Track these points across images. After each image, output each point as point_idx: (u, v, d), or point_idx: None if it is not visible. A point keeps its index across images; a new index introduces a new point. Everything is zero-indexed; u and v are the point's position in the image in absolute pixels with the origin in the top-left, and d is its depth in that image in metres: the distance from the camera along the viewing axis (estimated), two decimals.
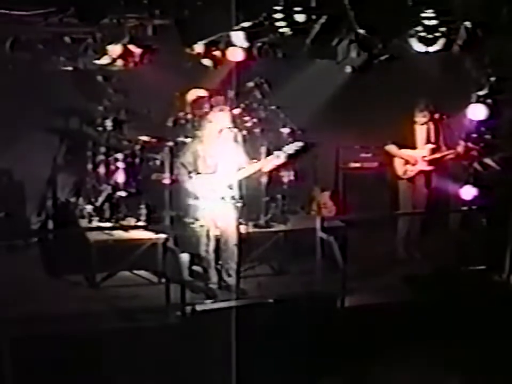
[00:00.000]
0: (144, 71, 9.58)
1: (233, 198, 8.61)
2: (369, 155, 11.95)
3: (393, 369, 8.36)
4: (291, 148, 8.84)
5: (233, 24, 8.69)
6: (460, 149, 10.32)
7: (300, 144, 8.97)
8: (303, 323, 8.22)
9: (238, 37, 8.76)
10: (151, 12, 8.85)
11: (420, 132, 10.41)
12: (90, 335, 8.00)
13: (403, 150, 10.39)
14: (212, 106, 9.77)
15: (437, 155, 10.38)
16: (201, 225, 8.87)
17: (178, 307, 8.38)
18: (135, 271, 9.54)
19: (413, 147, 10.39)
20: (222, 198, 8.67)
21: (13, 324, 7.85)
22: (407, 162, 10.40)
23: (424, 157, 10.34)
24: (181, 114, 10.41)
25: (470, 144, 10.30)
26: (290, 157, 8.88)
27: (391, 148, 10.47)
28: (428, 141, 10.40)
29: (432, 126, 10.41)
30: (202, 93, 10.43)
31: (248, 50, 9.20)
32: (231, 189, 8.64)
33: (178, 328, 8.16)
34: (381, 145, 10.84)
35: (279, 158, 8.79)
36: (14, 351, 7.59)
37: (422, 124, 10.35)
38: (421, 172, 10.40)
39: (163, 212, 9.74)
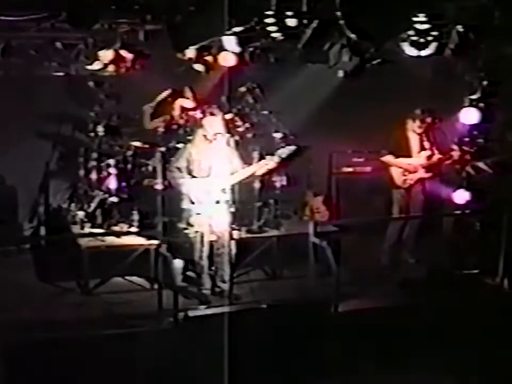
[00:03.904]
0: (136, 77, 9.55)
1: (227, 202, 8.63)
2: (362, 160, 11.93)
3: (388, 373, 8.35)
4: (284, 152, 8.85)
5: (225, 29, 8.66)
6: (455, 154, 10.29)
7: (293, 148, 8.99)
8: (296, 328, 8.21)
9: (229, 42, 8.74)
10: (143, 17, 8.82)
11: (414, 139, 10.39)
12: (83, 341, 7.98)
13: (401, 159, 10.34)
14: (204, 112, 9.75)
15: (434, 161, 10.35)
16: (196, 231, 8.85)
17: (171, 313, 8.36)
18: (128, 277, 9.52)
19: (408, 155, 10.36)
20: (217, 201, 8.67)
21: (5, 330, 7.80)
22: (405, 171, 10.34)
23: (422, 164, 10.32)
24: (173, 119, 10.39)
25: (464, 148, 10.28)
26: (283, 161, 8.89)
27: (389, 158, 10.42)
28: (422, 148, 10.38)
29: (425, 133, 10.38)
30: (188, 103, 10.40)
31: (240, 55, 9.19)
32: (224, 193, 8.65)
33: (171, 334, 8.15)
34: (374, 151, 10.82)
35: (271, 162, 8.80)
36: (6, 357, 7.56)
37: (417, 132, 10.31)
38: (420, 179, 10.37)
39: (155, 217, 9.70)
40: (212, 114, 9.08)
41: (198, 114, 10.10)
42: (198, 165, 8.83)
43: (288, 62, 9.97)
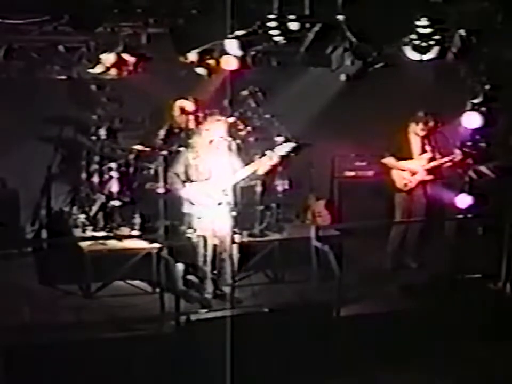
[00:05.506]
0: (138, 80, 9.56)
1: (228, 203, 8.62)
2: (364, 164, 11.94)
3: (390, 377, 8.33)
4: (283, 149, 8.85)
5: (227, 33, 8.66)
6: (457, 156, 10.28)
7: (292, 144, 8.99)
8: (298, 332, 8.19)
9: (232, 46, 8.73)
10: (145, 20, 8.82)
11: (415, 142, 10.37)
12: (84, 344, 7.96)
13: (402, 162, 10.33)
14: (205, 115, 9.75)
15: (435, 163, 10.33)
16: (198, 235, 8.84)
17: (173, 317, 8.35)
18: (130, 281, 9.50)
19: (409, 158, 10.34)
20: (219, 204, 8.66)
21: (7, 334, 7.79)
22: (406, 172, 10.32)
23: (423, 166, 10.29)
24: (175, 123, 10.39)
25: (467, 152, 10.26)
26: (282, 157, 8.89)
27: (390, 161, 10.40)
28: (423, 151, 10.36)
29: (427, 136, 10.37)
30: (187, 104, 10.39)
31: (242, 59, 9.20)
32: (226, 194, 8.64)
33: (172, 338, 8.13)
34: (377, 155, 10.83)
35: (271, 158, 8.79)
36: (8, 360, 7.55)
37: (420, 135, 10.29)
38: (420, 182, 10.35)
39: (157, 221, 9.70)
40: (213, 118, 9.08)
41: (199, 117, 10.10)
42: (196, 169, 8.83)
43: (290, 65, 9.99)
